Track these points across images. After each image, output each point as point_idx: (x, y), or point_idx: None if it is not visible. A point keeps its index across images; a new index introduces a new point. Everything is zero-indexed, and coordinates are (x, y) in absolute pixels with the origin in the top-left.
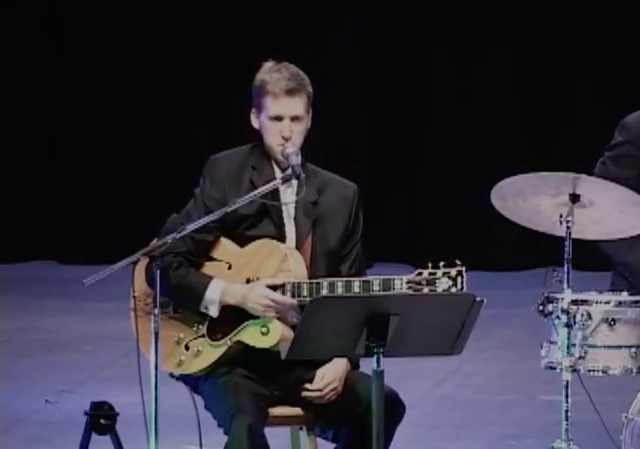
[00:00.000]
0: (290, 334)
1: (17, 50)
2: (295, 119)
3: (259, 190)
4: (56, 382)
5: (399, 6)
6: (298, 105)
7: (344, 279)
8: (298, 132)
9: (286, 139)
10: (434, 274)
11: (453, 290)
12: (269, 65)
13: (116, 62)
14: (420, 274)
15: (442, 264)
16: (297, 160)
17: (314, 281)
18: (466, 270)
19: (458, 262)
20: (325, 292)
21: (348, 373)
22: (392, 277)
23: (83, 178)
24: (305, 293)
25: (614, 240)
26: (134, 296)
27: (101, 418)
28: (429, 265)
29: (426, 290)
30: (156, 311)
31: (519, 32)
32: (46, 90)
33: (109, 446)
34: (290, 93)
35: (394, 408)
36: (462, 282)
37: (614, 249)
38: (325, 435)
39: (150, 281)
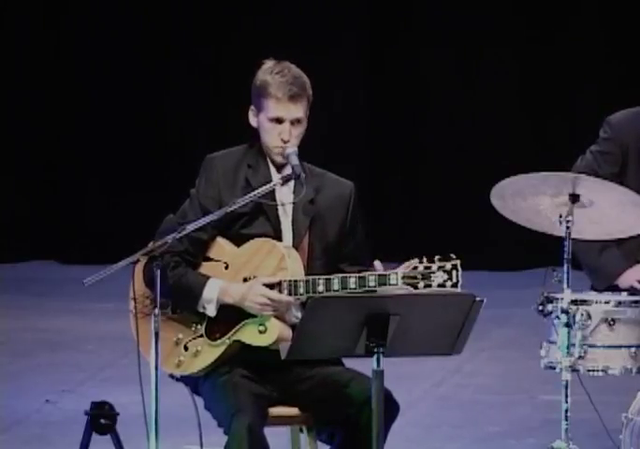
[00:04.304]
0: (288, 332)
1: (17, 52)
2: (295, 122)
3: (259, 190)
4: (57, 382)
5: (400, 7)
6: (299, 109)
7: (340, 275)
8: (296, 135)
9: (285, 142)
10: (429, 268)
11: (448, 284)
12: (270, 64)
13: (115, 63)
14: (415, 268)
15: (437, 258)
16: (296, 160)
17: (310, 278)
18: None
19: (453, 256)
20: (321, 289)
21: (342, 372)
22: (388, 272)
23: (83, 178)
24: (302, 290)
25: (584, 241)
26: (133, 299)
27: (101, 418)
28: (425, 259)
29: (421, 284)
30: (156, 311)
31: (520, 33)
32: (46, 90)
33: (109, 446)
34: (293, 98)
35: (388, 407)
36: (457, 276)
37: (584, 251)
38: (320, 437)
39: (148, 281)
